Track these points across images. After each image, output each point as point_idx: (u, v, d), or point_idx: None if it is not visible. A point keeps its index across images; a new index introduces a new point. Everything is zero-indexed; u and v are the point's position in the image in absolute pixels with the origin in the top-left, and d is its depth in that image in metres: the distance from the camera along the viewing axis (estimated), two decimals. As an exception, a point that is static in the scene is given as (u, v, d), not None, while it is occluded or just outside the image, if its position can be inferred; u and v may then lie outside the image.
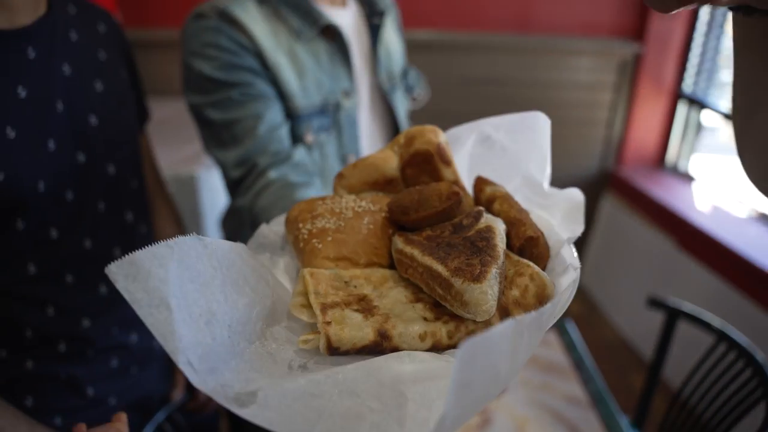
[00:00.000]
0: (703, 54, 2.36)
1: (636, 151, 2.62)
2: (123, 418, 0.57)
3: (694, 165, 2.47)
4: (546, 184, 0.56)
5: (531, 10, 2.44)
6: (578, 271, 0.43)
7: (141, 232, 0.88)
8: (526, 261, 0.45)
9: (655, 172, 2.56)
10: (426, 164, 0.55)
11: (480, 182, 0.54)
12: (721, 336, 1.24)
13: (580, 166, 2.70)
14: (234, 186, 0.89)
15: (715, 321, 1.26)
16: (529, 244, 0.46)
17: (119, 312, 0.83)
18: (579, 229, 0.47)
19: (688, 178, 2.44)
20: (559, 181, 0.54)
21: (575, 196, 0.52)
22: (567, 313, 2.56)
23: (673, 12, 0.34)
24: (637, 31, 2.46)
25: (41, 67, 0.71)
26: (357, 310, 0.42)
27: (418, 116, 1.65)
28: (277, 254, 0.56)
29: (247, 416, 0.34)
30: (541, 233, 0.47)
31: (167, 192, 1.02)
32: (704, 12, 2.30)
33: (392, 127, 1.09)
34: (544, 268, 0.47)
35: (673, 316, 1.35)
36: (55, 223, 0.74)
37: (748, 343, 1.18)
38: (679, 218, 2.12)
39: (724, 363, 1.23)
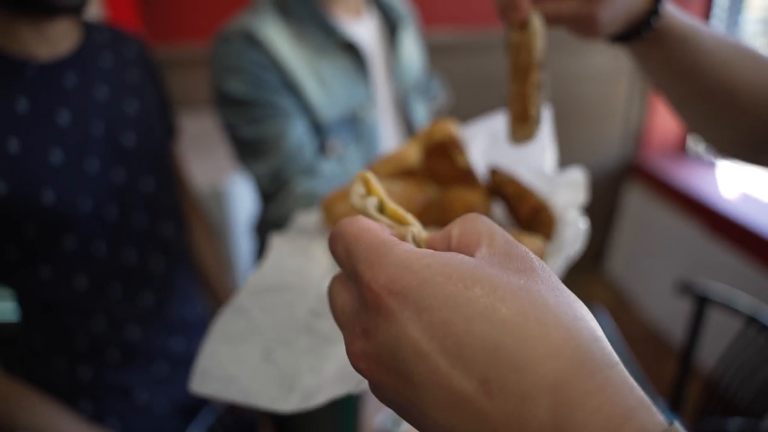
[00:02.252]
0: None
1: (658, 139, 2.61)
2: None
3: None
4: (548, 168, 0.61)
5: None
6: (583, 226, 0.46)
7: (180, 243, 0.94)
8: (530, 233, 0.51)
9: (678, 159, 2.54)
10: (444, 152, 0.61)
11: (493, 172, 0.60)
12: (751, 319, 1.24)
13: (603, 158, 2.69)
14: (265, 199, 0.95)
15: (744, 304, 1.26)
16: (536, 211, 0.52)
17: (165, 320, 0.88)
18: (581, 197, 0.53)
19: (711, 164, 2.42)
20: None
21: (575, 174, 0.56)
22: (598, 302, 2.52)
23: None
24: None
25: (80, 93, 0.77)
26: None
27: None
28: (316, 236, 0.62)
29: None
30: (547, 204, 0.53)
31: (196, 204, 1.07)
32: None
33: (412, 134, 1.13)
34: (550, 234, 0.52)
35: (703, 300, 1.36)
36: (102, 239, 0.79)
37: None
38: (706, 204, 2.11)
39: (756, 346, 1.23)
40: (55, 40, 0.75)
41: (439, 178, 0.61)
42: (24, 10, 0.68)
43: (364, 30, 1.01)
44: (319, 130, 0.94)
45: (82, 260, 0.77)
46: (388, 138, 1.07)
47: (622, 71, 2.50)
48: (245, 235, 1.81)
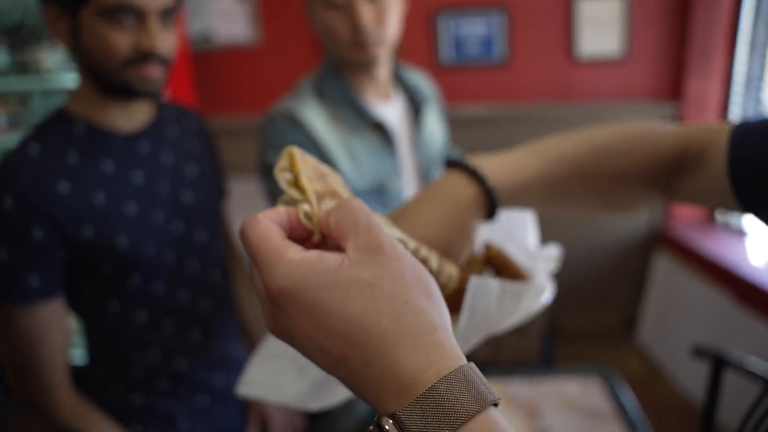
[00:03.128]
0: (742, 110, 2.42)
1: (686, 208, 2.66)
2: None
3: (745, 219, 2.48)
4: (531, 245, 0.71)
5: (569, 81, 2.61)
6: (550, 289, 0.56)
7: (225, 288, 1.07)
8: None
9: (706, 229, 2.58)
10: None
11: (487, 246, 0.71)
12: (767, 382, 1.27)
13: (633, 228, 2.75)
14: None
15: (759, 367, 1.29)
16: (514, 278, 0.62)
17: (210, 355, 1.00)
18: (553, 266, 0.63)
19: (740, 233, 2.45)
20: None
21: (551, 249, 0.67)
22: (625, 372, 2.51)
23: None
24: (674, 91, 2.57)
25: (152, 158, 0.93)
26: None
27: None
28: None
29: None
30: (524, 274, 0.63)
31: (239, 257, 1.21)
32: (741, 65, 2.38)
33: None
34: None
35: (719, 363, 1.39)
36: (161, 280, 0.93)
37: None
38: (734, 272, 2.12)
39: (773, 409, 1.24)
40: (135, 117, 0.92)
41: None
42: (116, 93, 0.86)
43: (392, 111, 1.16)
44: None
45: (144, 297, 0.91)
46: None
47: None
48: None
